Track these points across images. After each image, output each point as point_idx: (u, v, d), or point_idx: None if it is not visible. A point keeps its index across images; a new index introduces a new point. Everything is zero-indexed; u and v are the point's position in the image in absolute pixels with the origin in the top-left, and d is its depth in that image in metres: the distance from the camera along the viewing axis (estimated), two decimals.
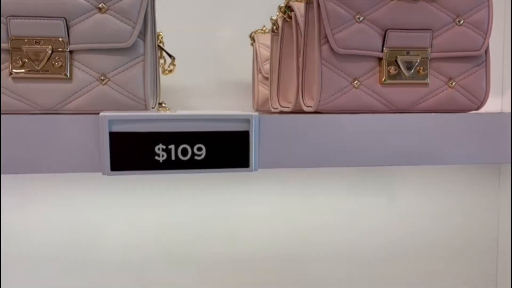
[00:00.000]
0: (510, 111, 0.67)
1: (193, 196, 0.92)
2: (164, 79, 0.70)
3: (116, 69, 0.50)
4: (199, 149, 0.46)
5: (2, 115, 0.44)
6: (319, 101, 0.49)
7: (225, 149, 0.46)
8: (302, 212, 0.95)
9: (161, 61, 0.67)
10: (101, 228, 0.90)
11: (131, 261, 0.91)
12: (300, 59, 0.53)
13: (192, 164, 0.46)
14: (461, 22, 0.49)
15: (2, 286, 0.88)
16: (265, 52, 0.83)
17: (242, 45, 0.87)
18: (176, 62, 0.66)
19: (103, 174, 0.46)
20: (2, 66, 0.49)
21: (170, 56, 0.66)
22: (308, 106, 0.53)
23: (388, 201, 0.97)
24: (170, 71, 0.68)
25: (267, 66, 0.81)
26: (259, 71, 0.83)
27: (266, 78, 0.81)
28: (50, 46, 0.48)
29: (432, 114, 0.48)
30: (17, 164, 0.45)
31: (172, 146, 0.46)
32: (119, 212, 0.90)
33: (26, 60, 0.48)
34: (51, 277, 0.89)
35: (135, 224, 0.91)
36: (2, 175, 0.50)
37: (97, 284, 0.90)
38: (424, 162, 0.48)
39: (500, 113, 0.49)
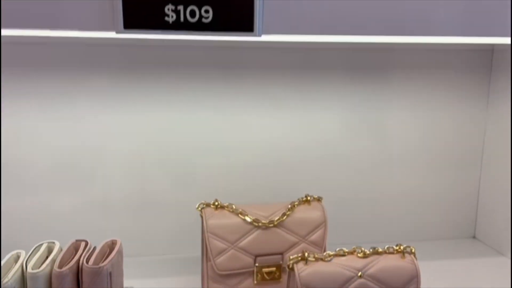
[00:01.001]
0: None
1: (190, 107, 0.96)
2: None
3: None
4: (206, 11, 0.49)
5: None
6: None
7: (230, 12, 0.49)
8: (297, 127, 1.00)
9: None
10: (101, 142, 0.94)
11: (131, 171, 0.97)
12: None
13: (200, 26, 0.49)
14: None
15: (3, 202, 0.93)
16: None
17: None
18: None
19: (116, 32, 0.49)
20: None
21: None
22: None
23: (380, 116, 1.02)
24: None
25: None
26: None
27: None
28: None
29: None
30: (29, 19, 0.47)
31: (181, 7, 0.49)
32: (119, 126, 0.94)
33: None
34: (54, 189, 0.95)
35: (134, 136, 0.96)
36: (10, 30, 0.52)
37: (99, 196, 0.97)
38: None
39: None
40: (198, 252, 0.87)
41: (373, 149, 1.03)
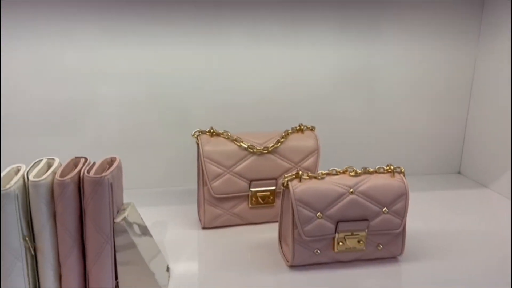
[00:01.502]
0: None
1: (194, 39, 0.96)
2: None
3: None
4: None
5: None
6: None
7: None
8: (291, 62, 1.01)
9: None
10: (93, 81, 0.94)
11: (124, 109, 0.98)
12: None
13: None
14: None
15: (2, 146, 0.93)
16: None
17: None
18: None
19: None
20: None
21: None
22: None
23: (371, 52, 1.02)
24: None
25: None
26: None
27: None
28: None
29: None
30: None
31: None
32: (111, 64, 0.94)
33: None
34: (50, 131, 0.95)
35: (126, 73, 0.95)
36: None
37: (94, 135, 0.97)
38: None
39: None
40: (192, 185, 0.89)
41: (364, 85, 1.04)
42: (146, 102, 0.97)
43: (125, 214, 0.61)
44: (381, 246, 0.71)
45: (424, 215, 0.89)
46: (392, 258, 0.73)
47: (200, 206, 0.82)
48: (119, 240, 0.60)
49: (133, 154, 0.99)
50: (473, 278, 0.68)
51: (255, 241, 0.78)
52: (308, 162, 0.83)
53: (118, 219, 0.60)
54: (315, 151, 0.83)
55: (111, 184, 0.58)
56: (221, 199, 0.80)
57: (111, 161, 0.64)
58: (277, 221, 0.77)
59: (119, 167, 0.63)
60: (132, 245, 0.60)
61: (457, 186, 1.06)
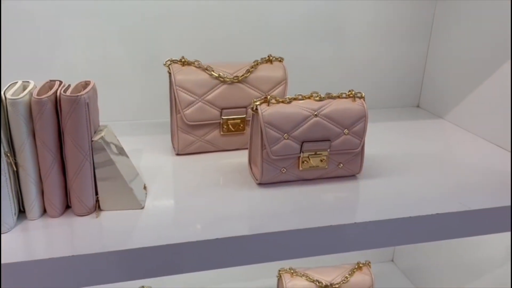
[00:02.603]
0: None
1: None
2: None
3: None
4: None
5: None
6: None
7: None
8: None
9: None
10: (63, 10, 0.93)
11: (93, 39, 0.98)
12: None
13: None
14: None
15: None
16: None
17: None
18: None
19: None
20: None
21: None
22: None
23: None
24: None
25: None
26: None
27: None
28: None
29: None
30: None
31: None
32: None
33: None
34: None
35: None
36: None
37: (63, 68, 0.97)
38: None
39: None
40: (164, 119, 0.92)
41: (329, 18, 1.07)
42: (115, 35, 0.97)
43: (102, 134, 0.64)
44: (341, 165, 0.78)
45: (382, 142, 0.96)
46: (351, 176, 0.80)
47: (174, 134, 0.86)
48: (98, 158, 0.63)
49: (105, 87, 1.00)
50: (426, 191, 0.76)
51: (226, 165, 0.83)
52: (277, 91, 0.87)
53: (96, 138, 0.63)
54: (283, 81, 0.87)
55: (87, 103, 0.61)
56: (194, 126, 0.84)
57: (86, 84, 0.66)
58: (247, 148, 0.82)
59: (94, 89, 0.65)
60: (111, 162, 0.64)
61: (415, 117, 1.13)
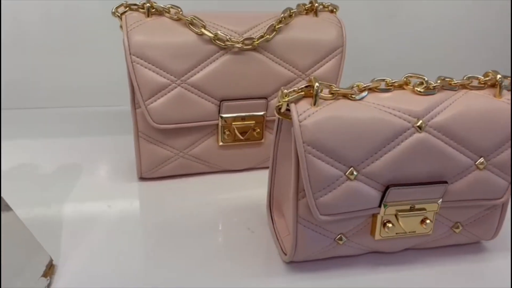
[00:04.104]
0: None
1: None
2: None
3: None
4: None
5: None
6: None
7: None
8: None
9: None
10: None
11: None
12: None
13: None
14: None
15: None
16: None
17: None
18: None
19: None
20: None
21: None
22: None
23: None
24: None
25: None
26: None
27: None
28: None
29: None
30: None
31: None
32: None
33: None
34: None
35: None
36: None
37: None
38: None
39: None
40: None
41: None
42: None
43: None
44: (459, 228, 0.39)
45: None
46: (473, 244, 0.41)
47: (135, 143, 0.49)
48: None
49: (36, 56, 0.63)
50: None
51: (226, 205, 0.45)
52: (326, 68, 0.48)
53: None
54: (338, 48, 0.48)
55: None
56: (167, 132, 0.46)
57: None
58: (266, 168, 0.44)
59: None
60: None
61: None
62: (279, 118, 0.36)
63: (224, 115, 0.46)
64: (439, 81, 0.36)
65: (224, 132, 0.47)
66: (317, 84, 0.33)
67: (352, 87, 0.34)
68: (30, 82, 0.65)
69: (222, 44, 0.44)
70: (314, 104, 0.33)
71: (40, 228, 0.40)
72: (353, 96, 0.34)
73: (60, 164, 0.51)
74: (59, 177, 0.49)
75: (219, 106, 0.45)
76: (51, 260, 0.36)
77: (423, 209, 0.36)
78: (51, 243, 0.39)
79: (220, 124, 0.46)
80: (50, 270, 0.35)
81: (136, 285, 0.36)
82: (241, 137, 0.47)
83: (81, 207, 0.44)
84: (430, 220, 0.36)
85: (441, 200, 0.36)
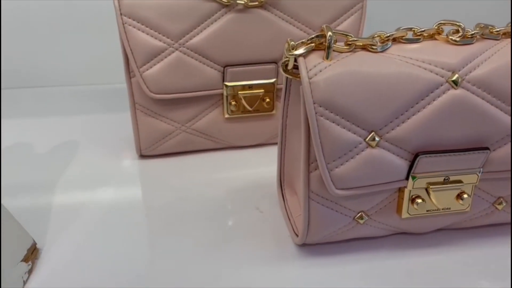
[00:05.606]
0: None
1: None
2: None
3: None
4: None
5: None
6: None
7: None
8: None
9: None
10: None
11: None
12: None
13: None
14: None
15: None
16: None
17: None
18: None
19: None
20: None
21: None
22: None
23: None
24: None
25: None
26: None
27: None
28: None
29: None
30: None
31: None
32: None
33: None
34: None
35: None
36: None
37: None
38: None
39: None
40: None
41: None
42: None
43: None
44: (503, 203, 0.34)
45: None
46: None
47: (132, 116, 0.45)
48: None
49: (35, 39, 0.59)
50: None
51: (234, 185, 0.41)
52: (344, 27, 0.42)
53: None
54: (359, 4, 0.42)
55: None
56: (167, 103, 0.42)
57: None
58: (276, 144, 0.39)
59: None
60: None
61: None
62: (287, 78, 0.31)
63: (228, 83, 0.41)
64: (477, 29, 0.30)
65: (230, 103, 0.42)
66: (330, 33, 0.28)
67: (373, 38, 0.29)
68: (26, 61, 0.62)
69: (224, 1, 0.39)
70: (327, 58, 0.28)
71: (29, 210, 0.38)
72: (374, 47, 0.29)
73: (55, 144, 0.48)
74: (53, 157, 0.46)
75: (223, 72, 0.41)
76: (34, 244, 0.32)
77: (460, 181, 0.30)
78: (39, 226, 0.35)
79: (225, 93, 0.41)
80: (32, 254, 0.32)
81: (135, 274, 0.32)
82: (249, 108, 0.42)
83: (75, 188, 0.41)
84: (468, 195, 0.31)
85: (481, 170, 0.30)
